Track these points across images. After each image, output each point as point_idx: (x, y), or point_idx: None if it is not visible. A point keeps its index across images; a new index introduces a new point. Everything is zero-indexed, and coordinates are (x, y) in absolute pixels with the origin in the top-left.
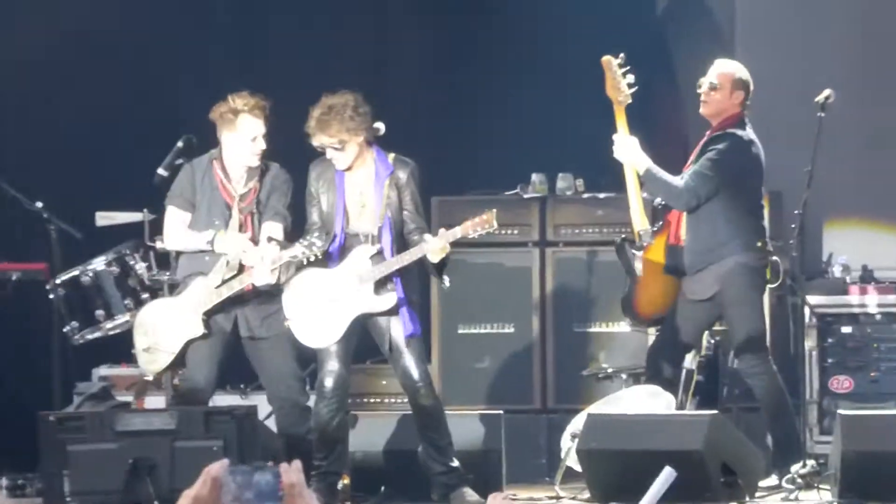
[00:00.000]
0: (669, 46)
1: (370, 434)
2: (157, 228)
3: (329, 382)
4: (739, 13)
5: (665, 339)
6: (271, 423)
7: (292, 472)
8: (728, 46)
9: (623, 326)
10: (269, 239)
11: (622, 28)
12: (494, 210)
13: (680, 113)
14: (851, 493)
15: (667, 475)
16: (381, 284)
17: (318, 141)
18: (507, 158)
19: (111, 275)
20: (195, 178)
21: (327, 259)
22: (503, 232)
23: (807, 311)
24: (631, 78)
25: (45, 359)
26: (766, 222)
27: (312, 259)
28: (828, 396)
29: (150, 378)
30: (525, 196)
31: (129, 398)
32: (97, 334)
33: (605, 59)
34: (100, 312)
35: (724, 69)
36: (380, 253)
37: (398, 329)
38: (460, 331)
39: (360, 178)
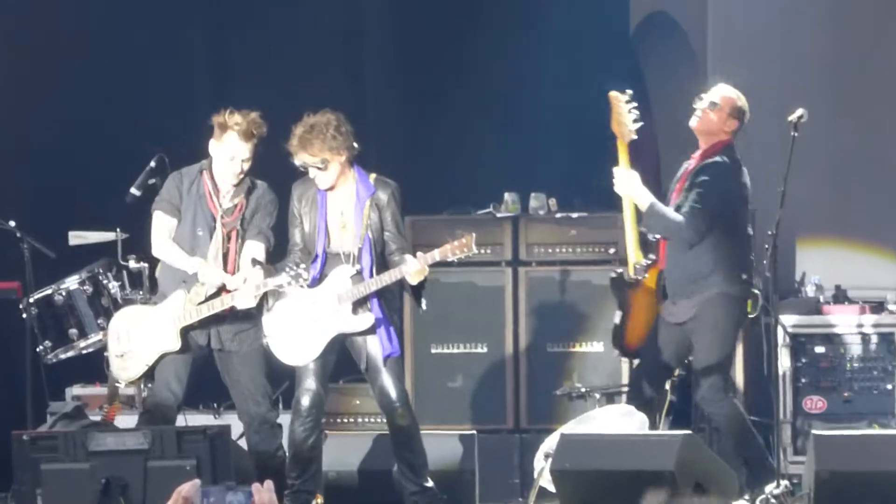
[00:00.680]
0: (641, 65)
1: (344, 453)
2: (129, 248)
3: (305, 401)
4: (712, 33)
5: (647, 361)
6: (244, 443)
7: (264, 491)
8: (700, 66)
9: (596, 346)
10: (255, 262)
11: (595, 46)
12: (473, 234)
13: (651, 131)
14: None
15: None
16: (359, 304)
17: (300, 160)
18: (479, 177)
19: (84, 294)
20: (183, 185)
21: None
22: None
23: (780, 331)
24: (637, 114)
25: (18, 378)
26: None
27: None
28: (801, 416)
29: (122, 384)
30: (498, 215)
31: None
32: (70, 353)
33: (613, 94)
34: (73, 331)
35: (727, 93)
36: (359, 273)
37: (376, 348)
38: (433, 350)
39: (342, 198)
